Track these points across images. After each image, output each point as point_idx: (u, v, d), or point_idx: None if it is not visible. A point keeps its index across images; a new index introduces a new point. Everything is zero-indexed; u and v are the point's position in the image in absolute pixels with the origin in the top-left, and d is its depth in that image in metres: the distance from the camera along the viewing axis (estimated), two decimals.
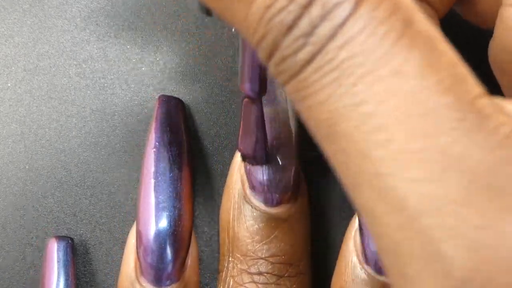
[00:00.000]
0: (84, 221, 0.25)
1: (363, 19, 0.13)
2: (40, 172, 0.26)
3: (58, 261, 0.23)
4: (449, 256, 0.12)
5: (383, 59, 0.13)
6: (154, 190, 0.22)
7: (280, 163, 0.23)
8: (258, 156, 0.22)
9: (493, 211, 0.12)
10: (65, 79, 0.26)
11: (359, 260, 0.22)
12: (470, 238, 0.12)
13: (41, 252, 0.25)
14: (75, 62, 0.26)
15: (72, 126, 0.26)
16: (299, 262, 0.23)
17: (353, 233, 0.23)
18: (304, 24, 0.13)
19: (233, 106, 0.26)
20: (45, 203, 0.25)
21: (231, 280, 0.23)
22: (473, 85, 0.13)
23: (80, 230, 0.25)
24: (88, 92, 0.26)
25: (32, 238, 0.25)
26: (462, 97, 0.13)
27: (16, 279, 0.25)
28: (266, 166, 0.22)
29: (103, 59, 0.26)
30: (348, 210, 0.25)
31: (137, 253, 0.22)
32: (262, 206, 0.23)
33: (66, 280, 0.23)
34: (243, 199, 0.23)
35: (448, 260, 0.12)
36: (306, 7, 0.13)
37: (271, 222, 0.22)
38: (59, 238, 0.24)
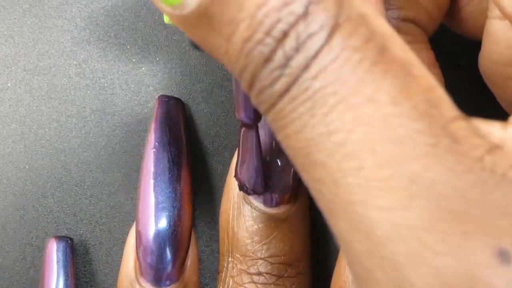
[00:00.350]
0: (84, 221, 0.25)
1: (337, 48, 0.13)
2: (40, 172, 0.26)
3: (57, 261, 0.23)
4: (412, 282, 0.12)
5: (356, 87, 0.13)
6: (154, 190, 0.22)
7: (280, 164, 0.22)
8: (256, 184, 0.22)
9: (455, 237, 0.12)
10: (65, 79, 0.26)
11: None
12: (432, 264, 0.12)
13: (41, 252, 0.25)
14: (75, 62, 0.26)
15: (72, 126, 0.26)
16: (299, 263, 0.23)
17: None
18: (279, 57, 0.13)
19: (233, 106, 0.26)
20: (45, 203, 0.25)
21: (231, 280, 0.23)
22: (448, 109, 0.13)
23: (80, 230, 0.25)
24: (88, 92, 0.26)
25: (32, 238, 0.25)
26: (435, 122, 0.13)
27: (16, 279, 0.25)
28: (269, 166, 0.22)
29: (103, 59, 0.26)
30: None
31: (137, 253, 0.22)
32: (261, 206, 0.23)
33: (66, 280, 0.23)
34: (243, 200, 0.23)
35: (412, 287, 0.12)
36: (281, 40, 0.13)
37: (271, 223, 0.22)
38: (59, 238, 0.24)
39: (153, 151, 0.23)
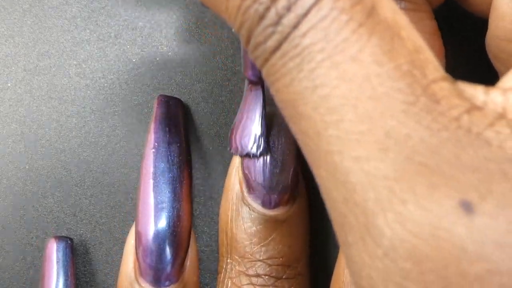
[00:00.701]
0: (84, 221, 0.25)
1: (326, 8, 0.14)
2: (40, 172, 0.26)
3: (57, 262, 0.23)
4: (379, 227, 0.13)
5: (341, 47, 0.14)
6: (153, 190, 0.22)
7: (280, 163, 0.22)
8: (256, 143, 0.22)
9: (422, 188, 0.13)
10: (65, 79, 0.26)
11: None
12: (398, 211, 0.13)
13: (41, 252, 0.25)
14: (75, 62, 0.26)
15: (72, 126, 0.26)
16: (297, 264, 0.23)
17: None
18: (272, 15, 0.14)
19: (233, 106, 0.26)
20: (45, 203, 0.25)
21: (229, 281, 0.23)
22: (432, 70, 0.14)
23: (80, 230, 0.25)
24: (89, 92, 0.26)
25: (32, 238, 0.25)
26: (417, 82, 0.14)
27: (16, 279, 0.25)
28: (264, 167, 0.22)
29: (103, 59, 0.26)
30: None
31: (136, 253, 0.22)
32: (260, 208, 0.23)
33: (66, 280, 0.23)
34: (241, 201, 0.23)
35: (379, 231, 0.13)
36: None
37: (269, 224, 0.22)
38: (59, 238, 0.24)
39: (153, 151, 0.23)
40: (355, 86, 0.14)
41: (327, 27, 0.14)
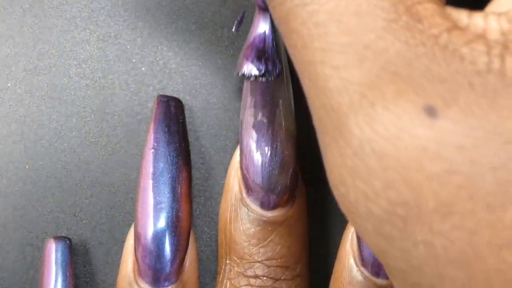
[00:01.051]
0: (84, 221, 0.26)
1: None
2: (40, 172, 0.26)
3: (56, 262, 0.23)
4: (350, 128, 0.14)
5: None
6: (153, 191, 0.22)
7: (278, 164, 0.22)
8: (274, 63, 0.22)
9: (390, 93, 0.14)
10: (65, 79, 0.26)
11: (355, 262, 0.22)
12: (367, 113, 0.14)
13: (41, 252, 0.25)
14: (75, 62, 0.26)
15: (72, 126, 0.26)
16: (296, 265, 0.23)
17: (350, 235, 0.23)
18: None
19: (233, 106, 0.26)
20: (45, 203, 0.25)
21: (228, 282, 0.23)
22: None
23: (80, 230, 0.25)
24: (88, 92, 0.26)
25: (32, 238, 0.25)
26: (401, 2, 0.15)
27: (16, 279, 0.25)
28: (263, 168, 0.22)
29: (103, 59, 0.26)
30: None
31: (135, 254, 0.22)
32: (258, 209, 0.23)
33: (64, 280, 0.23)
34: (240, 202, 0.23)
35: (349, 132, 0.14)
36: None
37: (268, 226, 0.22)
38: (57, 238, 0.24)
39: (152, 152, 0.23)
40: (342, 3, 0.15)
41: None
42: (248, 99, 0.23)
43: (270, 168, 0.22)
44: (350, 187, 0.14)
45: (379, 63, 0.14)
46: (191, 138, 0.26)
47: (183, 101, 0.25)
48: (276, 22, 0.17)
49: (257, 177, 0.22)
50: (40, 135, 0.26)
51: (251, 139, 0.22)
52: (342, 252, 0.23)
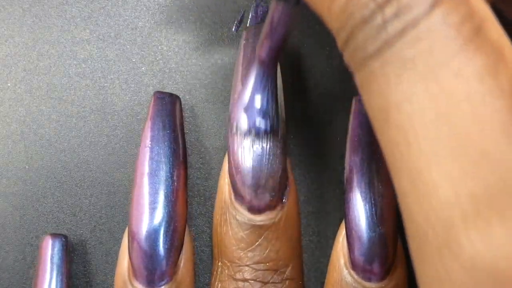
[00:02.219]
0: (84, 221, 0.25)
1: (435, 22, 0.14)
2: (40, 172, 0.26)
3: (51, 259, 0.23)
4: (460, 242, 0.13)
5: (445, 61, 0.14)
6: (147, 189, 0.22)
7: (266, 168, 0.22)
8: (272, 122, 0.22)
9: (510, 209, 0.13)
10: (65, 79, 0.26)
11: (346, 265, 0.22)
12: (483, 231, 0.13)
13: None
14: (75, 62, 0.26)
15: (72, 126, 0.26)
16: (286, 268, 0.22)
17: (341, 239, 0.23)
18: (377, 20, 0.14)
19: None
20: (45, 203, 0.25)
21: (219, 284, 0.23)
22: None
23: (80, 230, 0.25)
24: (88, 92, 0.26)
25: (32, 238, 0.25)
26: None
27: (16, 279, 0.25)
28: (251, 172, 0.22)
29: (103, 59, 0.26)
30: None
31: (129, 253, 0.22)
32: (246, 213, 0.22)
33: (59, 277, 0.23)
34: (229, 206, 0.23)
35: (459, 246, 0.13)
36: (382, 5, 0.14)
37: (256, 230, 0.22)
38: (54, 235, 0.24)
39: (147, 150, 0.22)
40: (455, 102, 0.13)
41: (434, 40, 0.14)
42: (233, 101, 0.23)
43: (257, 173, 0.22)
44: None
45: (497, 174, 0.13)
46: (191, 138, 0.26)
47: (183, 101, 0.25)
48: (368, 111, 0.15)
49: (244, 182, 0.22)
50: (40, 135, 0.26)
51: (237, 143, 0.22)
52: (334, 255, 0.23)
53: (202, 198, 0.26)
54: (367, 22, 0.14)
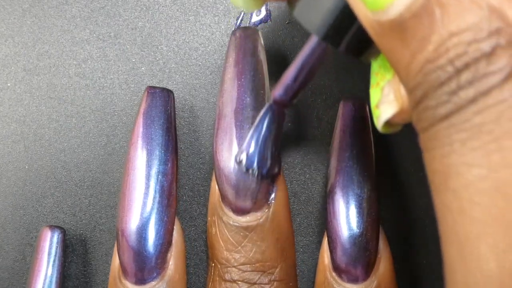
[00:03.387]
0: (84, 221, 0.25)
1: (507, 92, 0.14)
2: (40, 172, 0.26)
3: (49, 250, 0.23)
4: None
5: (511, 132, 0.14)
6: (136, 185, 0.22)
7: (253, 171, 0.22)
8: (272, 164, 0.22)
9: None
10: (65, 79, 0.26)
11: (328, 268, 0.23)
12: None
13: None
14: (75, 62, 0.26)
15: (72, 126, 0.26)
16: (273, 269, 0.22)
17: (325, 241, 0.23)
18: (452, 84, 0.14)
19: None
20: (45, 203, 0.25)
21: (211, 284, 0.23)
22: None
23: (80, 230, 0.25)
24: (88, 92, 0.26)
25: (32, 238, 0.25)
26: None
27: (16, 279, 0.25)
28: (234, 173, 0.22)
29: (103, 59, 0.26)
30: None
31: (118, 250, 0.22)
32: (231, 215, 0.22)
33: (54, 267, 0.23)
34: (218, 207, 0.23)
35: None
36: (460, 70, 0.14)
37: (240, 231, 0.22)
38: (52, 227, 0.24)
39: (136, 146, 0.22)
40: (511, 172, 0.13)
41: (503, 110, 0.14)
42: (220, 104, 0.23)
43: (239, 174, 0.22)
44: None
45: None
46: (191, 138, 0.26)
47: (183, 101, 0.25)
48: (428, 173, 0.15)
49: (227, 183, 0.22)
50: (40, 135, 0.26)
51: (221, 146, 0.22)
52: (320, 258, 0.23)
53: (202, 198, 0.25)
54: (442, 85, 0.14)
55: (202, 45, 0.26)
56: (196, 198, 0.25)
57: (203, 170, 0.26)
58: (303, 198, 0.25)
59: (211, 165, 0.26)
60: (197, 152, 0.26)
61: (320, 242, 0.25)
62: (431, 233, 0.25)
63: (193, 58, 0.26)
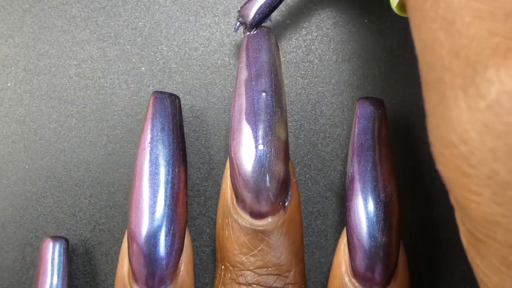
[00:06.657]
0: (84, 221, 0.25)
1: None
2: (39, 172, 0.26)
3: (52, 261, 0.23)
4: (489, 79, 0.13)
5: None
6: (147, 192, 0.21)
7: (267, 172, 0.22)
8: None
9: None
10: (65, 79, 0.26)
11: (347, 273, 0.22)
12: (502, 63, 0.13)
13: None
14: (75, 62, 0.26)
15: (72, 126, 0.26)
16: (288, 273, 0.22)
17: (342, 246, 0.23)
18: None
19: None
20: (45, 203, 0.25)
21: (223, 287, 0.22)
22: None
23: (80, 230, 0.25)
24: (88, 92, 0.26)
25: (32, 238, 0.25)
26: None
27: (16, 279, 0.25)
28: (252, 176, 0.21)
29: (103, 59, 0.26)
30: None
31: (129, 256, 0.22)
32: (248, 218, 0.22)
33: (59, 280, 0.23)
34: (231, 210, 0.22)
35: (487, 83, 0.13)
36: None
37: (257, 235, 0.22)
38: (54, 238, 0.23)
39: (146, 152, 0.22)
40: None
41: None
42: (236, 106, 0.22)
43: (259, 178, 0.21)
44: (476, 145, 0.13)
45: None
46: (191, 138, 0.26)
47: (183, 101, 0.25)
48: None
49: (245, 187, 0.22)
50: (40, 135, 0.26)
51: (239, 150, 0.22)
52: (335, 263, 0.23)
53: (202, 198, 0.25)
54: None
55: (202, 45, 0.26)
56: (196, 198, 0.25)
57: (203, 170, 0.26)
58: (303, 198, 0.25)
59: (211, 165, 0.26)
60: (197, 152, 0.26)
61: (319, 242, 0.25)
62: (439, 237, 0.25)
63: (193, 58, 0.26)
